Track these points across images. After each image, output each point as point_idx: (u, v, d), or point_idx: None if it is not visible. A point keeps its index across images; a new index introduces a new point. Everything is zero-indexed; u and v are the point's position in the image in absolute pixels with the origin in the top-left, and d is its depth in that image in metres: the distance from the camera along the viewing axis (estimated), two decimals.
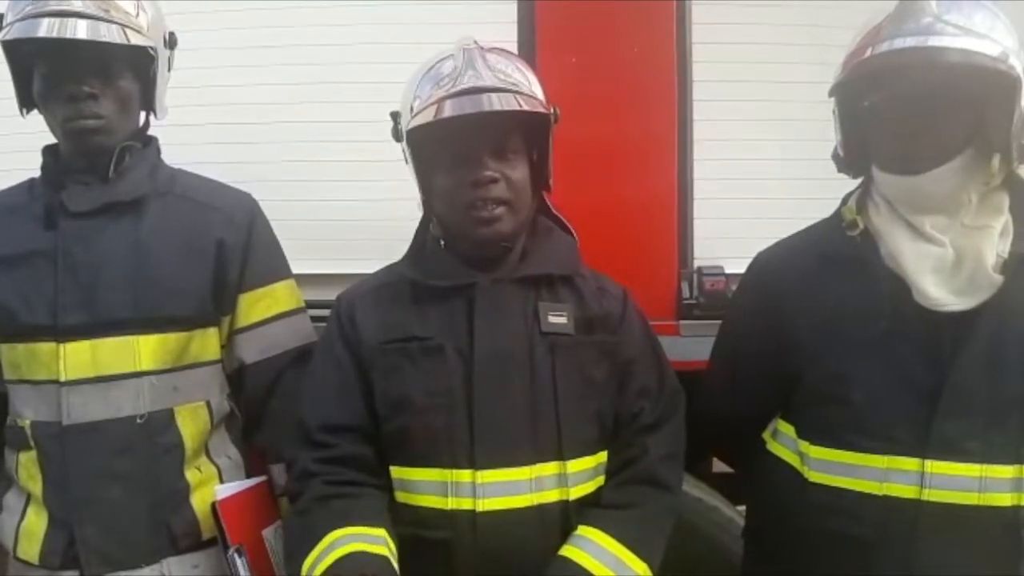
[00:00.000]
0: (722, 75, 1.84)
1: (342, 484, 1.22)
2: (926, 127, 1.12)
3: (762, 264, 1.37)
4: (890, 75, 1.13)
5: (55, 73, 1.29)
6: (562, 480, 1.22)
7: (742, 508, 1.83)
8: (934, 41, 1.08)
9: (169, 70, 1.44)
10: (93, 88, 1.29)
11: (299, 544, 1.20)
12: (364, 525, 1.18)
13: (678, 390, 1.36)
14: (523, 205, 1.26)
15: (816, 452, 1.22)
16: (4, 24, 1.29)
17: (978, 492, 1.10)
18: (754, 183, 1.86)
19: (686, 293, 1.83)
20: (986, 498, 1.10)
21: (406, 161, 1.30)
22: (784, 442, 1.33)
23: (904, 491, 1.13)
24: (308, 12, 1.83)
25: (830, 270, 1.24)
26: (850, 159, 1.27)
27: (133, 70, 1.35)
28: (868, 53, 1.14)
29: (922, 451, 1.12)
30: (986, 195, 1.17)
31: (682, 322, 1.81)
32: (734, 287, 1.61)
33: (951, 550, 1.11)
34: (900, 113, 1.13)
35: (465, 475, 1.19)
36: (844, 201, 1.31)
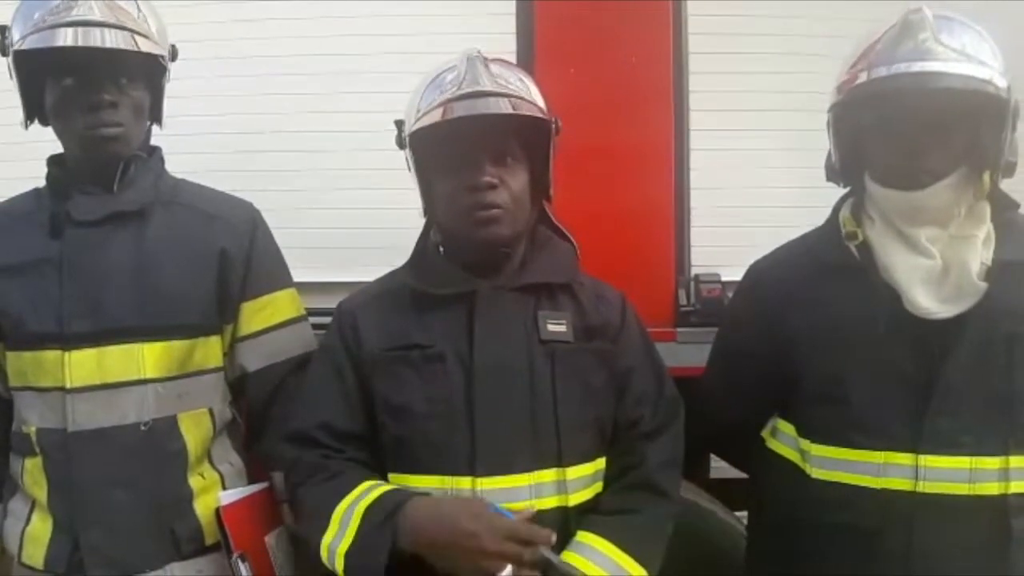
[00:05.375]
0: (718, 85, 1.87)
1: (342, 461, 1.26)
2: (928, 146, 1.18)
3: (758, 272, 1.42)
4: (893, 96, 1.17)
5: (75, 82, 1.30)
6: (561, 487, 1.23)
7: (739, 513, 1.85)
8: (937, 66, 1.13)
9: (168, 81, 1.45)
10: (112, 96, 1.31)
11: (322, 504, 1.21)
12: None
13: (677, 397, 1.38)
14: (522, 212, 1.28)
15: (817, 450, 1.28)
16: (16, 36, 1.29)
17: (968, 483, 1.17)
18: (750, 191, 1.88)
19: (683, 300, 1.86)
20: (976, 488, 1.17)
21: (408, 168, 1.31)
22: (784, 440, 1.37)
23: (900, 484, 1.20)
24: (309, 23, 1.85)
25: (827, 277, 1.29)
26: (845, 170, 1.31)
27: (144, 79, 1.37)
28: (864, 76, 1.19)
29: (916, 446, 1.19)
30: (971, 206, 1.22)
31: (679, 329, 1.83)
32: (730, 294, 1.63)
33: (945, 536, 1.18)
34: (903, 132, 1.19)
35: (465, 482, 1.20)
36: (836, 209, 1.35)
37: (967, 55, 1.15)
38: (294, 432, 1.30)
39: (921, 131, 1.17)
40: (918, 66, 1.14)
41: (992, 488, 1.17)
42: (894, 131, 1.20)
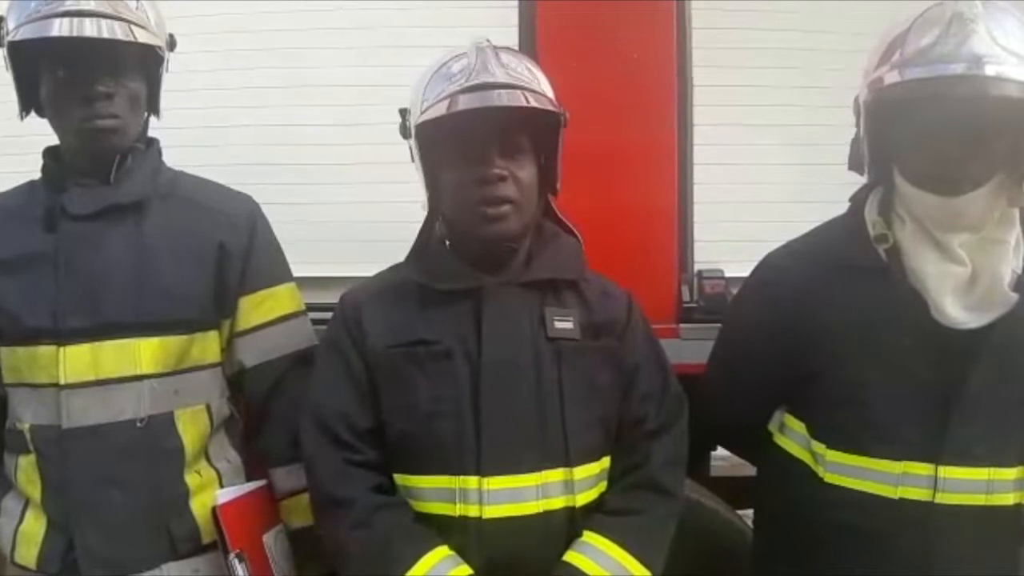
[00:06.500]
0: (722, 80, 1.85)
1: (385, 492, 1.23)
2: (971, 152, 1.11)
3: (773, 267, 1.36)
4: (938, 99, 1.09)
5: (70, 74, 1.27)
6: (568, 487, 1.21)
7: (741, 511, 1.84)
8: (991, 71, 1.03)
9: (166, 72, 1.43)
10: (108, 88, 1.28)
11: (380, 559, 1.18)
12: (441, 544, 1.19)
13: (681, 395, 1.36)
14: (529, 206, 1.25)
15: (833, 455, 1.24)
16: (11, 27, 1.27)
17: (986, 494, 1.15)
18: (754, 187, 1.87)
19: (686, 296, 1.84)
20: (993, 498, 1.15)
21: (412, 159, 1.29)
22: (794, 438, 1.34)
23: (918, 494, 1.17)
24: (308, 15, 1.83)
25: (848, 278, 1.24)
26: (874, 164, 1.23)
27: (141, 70, 1.35)
28: (897, 75, 1.10)
29: (936, 457, 1.16)
30: (1002, 211, 1.17)
31: (682, 325, 1.81)
32: (734, 290, 1.61)
33: (959, 544, 1.16)
34: (946, 138, 1.10)
35: (472, 482, 1.18)
36: (856, 203, 1.29)
37: (1016, 53, 1.04)
38: (313, 416, 1.26)
39: (963, 137, 1.09)
40: (963, 68, 1.04)
41: (1008, 498, 1.15)
42: (933, 135, 1.11)
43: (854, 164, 1.27)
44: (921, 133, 1.14)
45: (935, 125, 1.11)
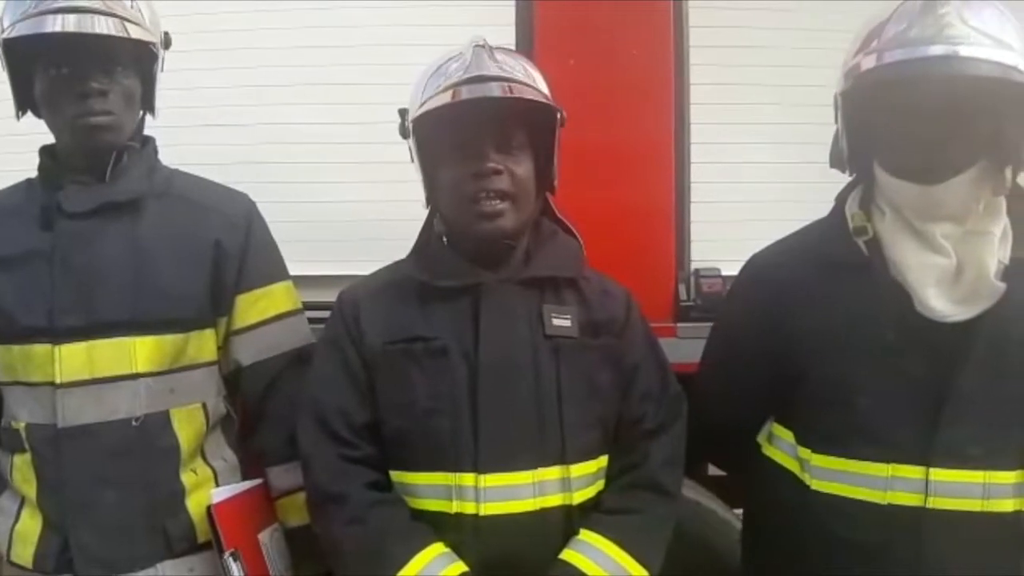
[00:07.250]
0: (719, 78, 1.85)
1: (381, 489, 1.23)
2: (947, 137, 1.09)
3: (760, 266, 1.35)
4: (914, 82, 1.08)
5: (63, 71, 1.28)
6: (565, 485, 1.21)
7: (739, 511, 1.84)
8: (963, 51, 1.03)
9: (161, 70, 1.43)
10: (102, 84, 1.29)
11: (375, 556, 1.18)
12: (436, 541, 1.19)
13: (680, 394, 1.35)
14: (526, 202, 1.25)
15: (818, 460, 1.21)
16: (5, 25, 1.27)
17: (982, 499, 1.10)
18: (751, 186, 1.87)
19: (683, 295, 1.84)
20: (990, 504, 1.10)
21: (411, 158, 1.29)
22: (782, 447, 1.31)
23: (908, 499, 1.13)
24: (305, 14, 1.83)
25: (833, 274, 1.22)
26: (853, 157, 1.22)
27: (135, 67, 1.35)
28: (873, 60, 1.10)
29: (926, 459, 1.12)
30: (987, 201, 1.15)
31: (679, 324, 1.81)
32: None
33: (955, 554, 1.11)
34: (923, 122, 1.09)
35: (468, 479, 1.18)
36: (840, 200, 1.28)
37: (991, 36, 1.04)
38: (312, 413, 1.26)
39: (940, 120, 1.07)
40: (939, 49, 1.03)
41: (1007, 505, 1.10)
42: (911, 120, 1.09)
43: (834, 161, 1.25)
44: (899, 118, 1.12)
45: (912, 109, 1.10)
